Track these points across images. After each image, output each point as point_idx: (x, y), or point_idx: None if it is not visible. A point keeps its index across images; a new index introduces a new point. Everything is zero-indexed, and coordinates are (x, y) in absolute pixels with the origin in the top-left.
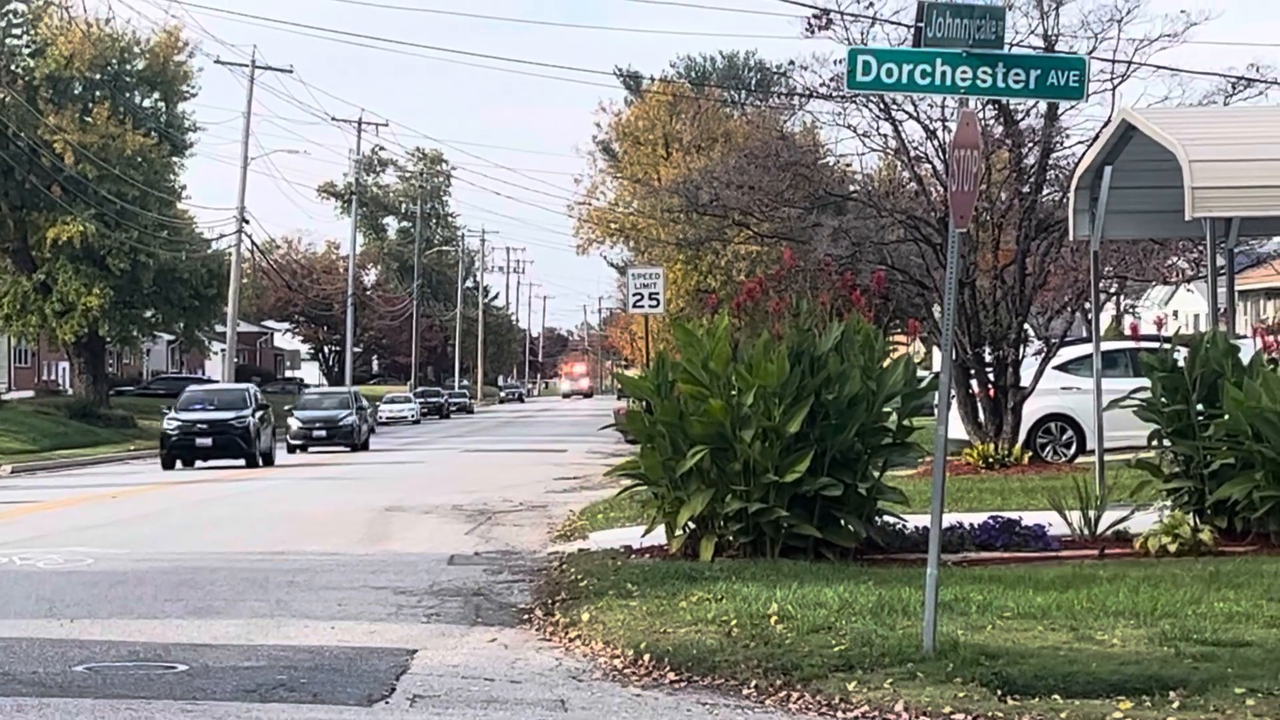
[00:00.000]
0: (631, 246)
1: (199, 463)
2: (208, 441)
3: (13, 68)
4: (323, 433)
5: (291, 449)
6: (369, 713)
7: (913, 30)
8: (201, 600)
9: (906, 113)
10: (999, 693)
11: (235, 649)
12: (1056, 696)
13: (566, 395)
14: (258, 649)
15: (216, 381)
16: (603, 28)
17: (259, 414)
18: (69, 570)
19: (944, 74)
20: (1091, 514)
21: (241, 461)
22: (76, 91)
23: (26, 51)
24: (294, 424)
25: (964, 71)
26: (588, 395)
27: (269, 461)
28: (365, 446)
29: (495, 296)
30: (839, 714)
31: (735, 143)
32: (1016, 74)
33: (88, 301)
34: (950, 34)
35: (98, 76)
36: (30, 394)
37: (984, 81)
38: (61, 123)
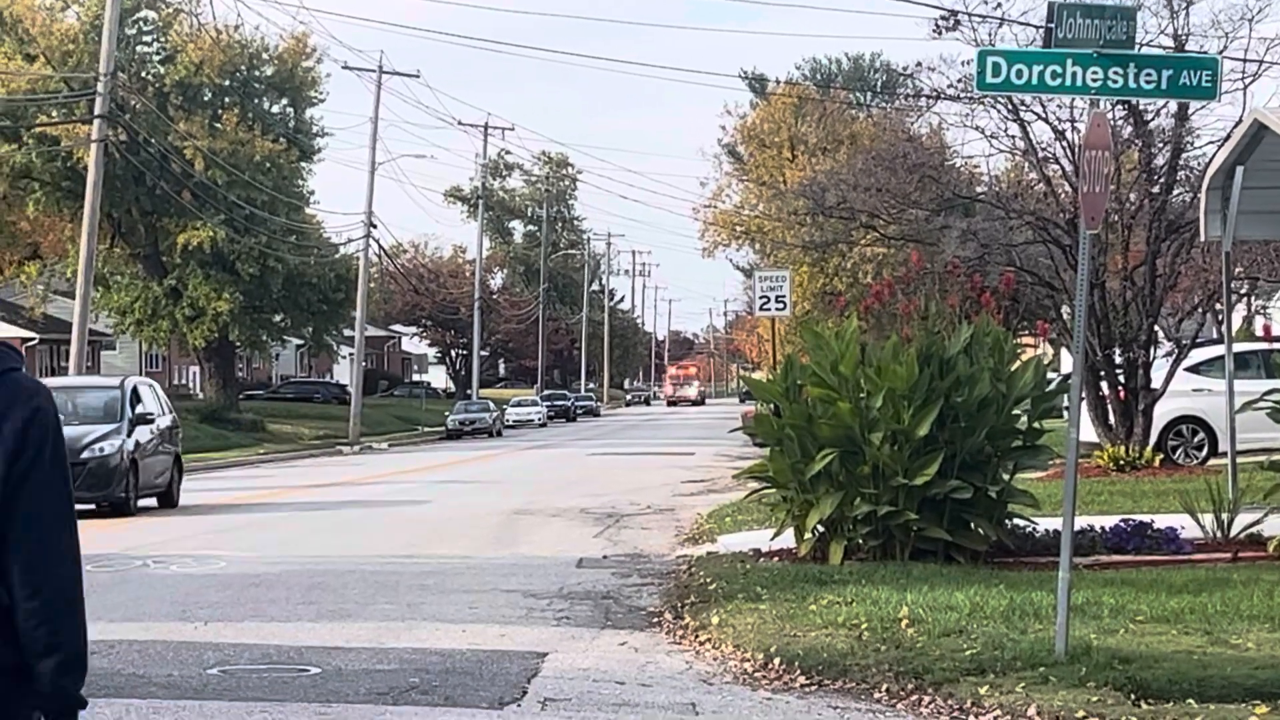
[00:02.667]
0: (757, 249)
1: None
2: None
3: (143, 75)
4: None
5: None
6: (500, 716)
7: (1042, 31)
8: (333, 603)
9: (1035, 113)
10: (1132, 697)
11: (367, 652)
12: (1191, 701)
13: (672, 403)
14: (389, 652)
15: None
16: (728, 30)
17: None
18: (202, 573)
19: (1074, 75)
20: (1224, 517)
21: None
22: (206, 98)
23: (157, 59)
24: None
25: (1095, 72)
26: (697, 403)
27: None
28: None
29: (621, 299)
30: (971, 718)
31: (861, 145)
32: (1148, 74)
33: (217, 306)
34: (1081, 35)
35: (227, 83)
36: None
37: (1115, 82)
38: (191, 129)
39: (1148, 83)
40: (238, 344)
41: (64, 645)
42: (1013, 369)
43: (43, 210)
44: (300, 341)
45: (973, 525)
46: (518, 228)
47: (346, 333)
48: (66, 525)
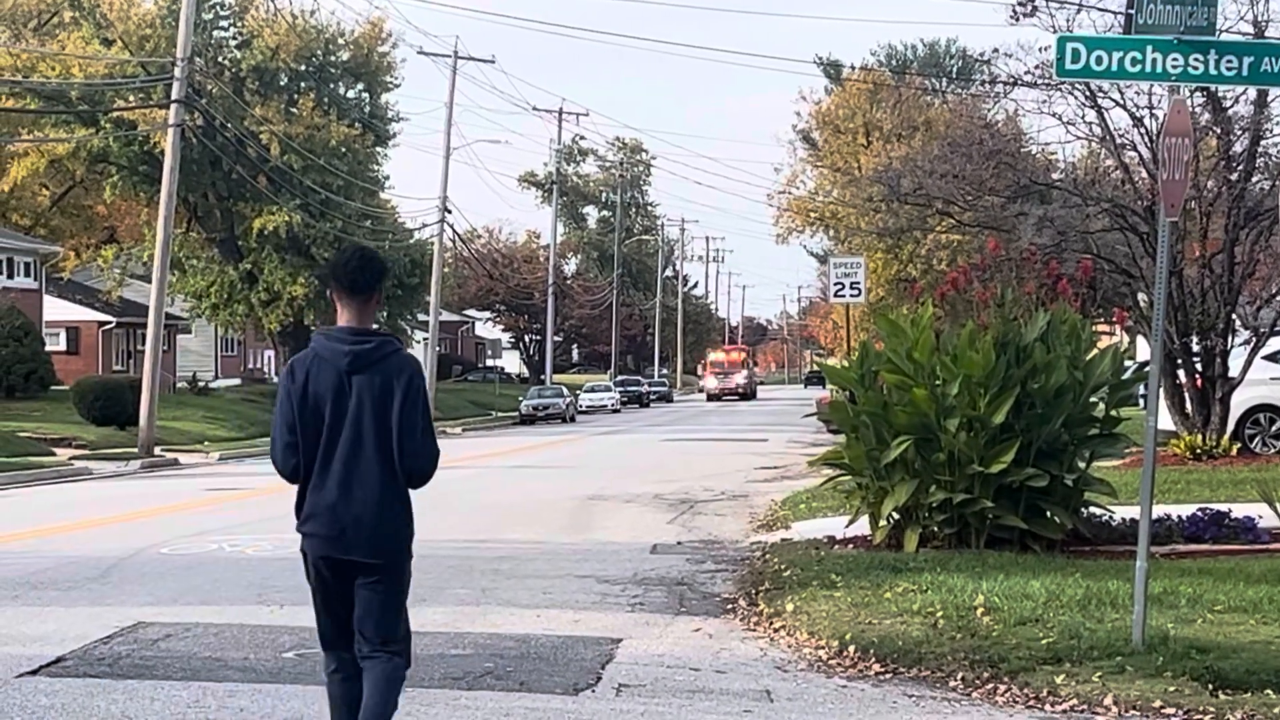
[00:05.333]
0: (831, 235)
1: None
2: None
3: (220, 60)
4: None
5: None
6: (575, 701)
7: (1122, 17)
8: None
9: (1113, 100)
10: (1210, 687)
11: (442, 637)
12: (1269, 692)
13: (713, 397)
14: (464, 637)
15: None
16: (803, 16)
17: None
18: (277, 556)
19: (1154, 61)
20: None
21: None
22: (282, 83)
23: (233, 44)
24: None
25: (1175, 59)
26: (745, 396)
27: None
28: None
29: (694, 285)
30: (1047, 707)
31: (936, 131)
32: (1229, 61)
33: (293, 291)
34: (1161, 21)
35: (303, 68)
36: (237, 382)
37: (1195, 69)
38: (268, 114)
39: (1228, 69)
40: (313, 328)
41: (419, 472)
42: (1090, 357)
43: (119, 194)
44: (375, 326)
45: (1049, 513)
46: (591, 213)
47: (421, 318)
48: (426, 438)
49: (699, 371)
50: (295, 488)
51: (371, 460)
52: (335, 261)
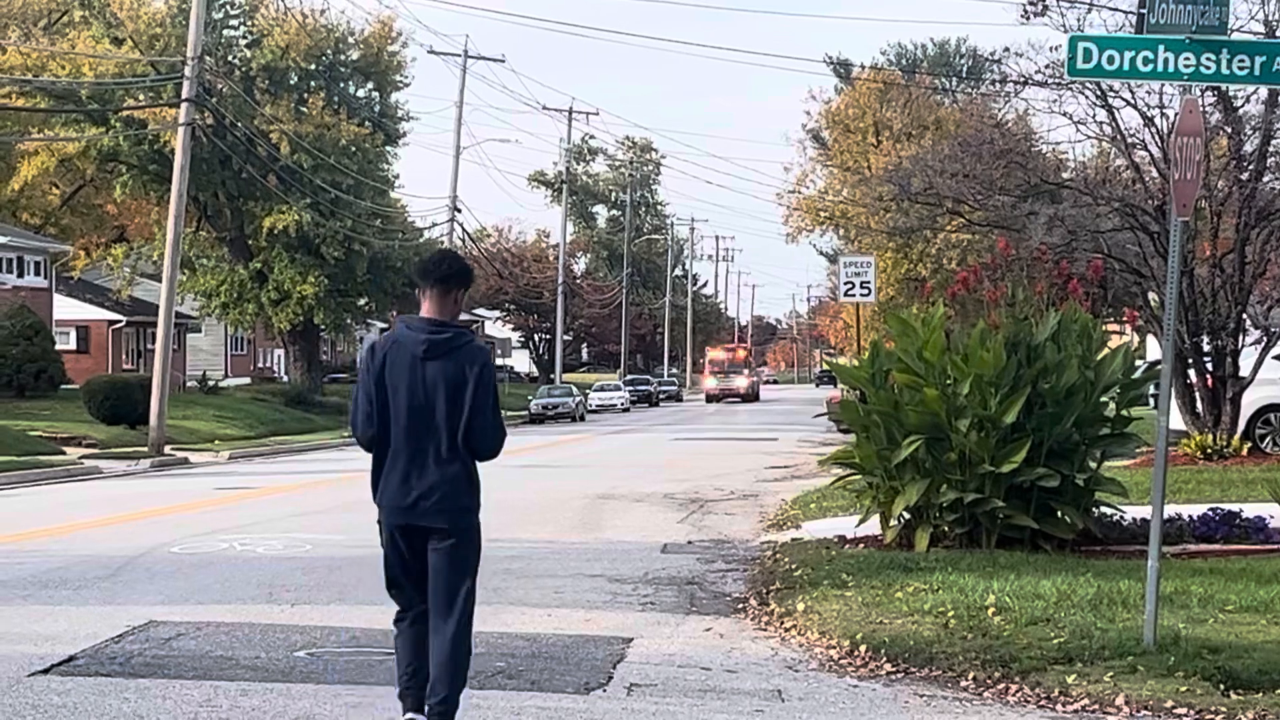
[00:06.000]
0: (841, 235)
1: None
2: None
3: (230, 59)
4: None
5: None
6: (587, 701)
7: (1134, 17)
8: None
9: (1124, 99)
10: (1221, 687)
11: None
12: None
13: (713, 398)
14: (476, 636)
15: None
16: (813, 15)
17: None
18: (288, 556)
19: (1166, 61)
20: None
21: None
22: (292, 82)
23: (243, 43)
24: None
25: (1187, 58)
26: (747, 398)
27: None
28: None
29: (704, 285)
30: (1059, 707)
31: (946, 130)
32: (1241, 60)
33: (303, 290)
34: (1173, 20)
35: (313, 67)
36: (246, 381)
37: (1208, 68)
38: (278, 113)
39: (1241, 69)
40: (322, 327)
41: (487, 451)
42: (1101, 356)
43: (129, 193)
44: (384, 325)
45: (1060, 513)
46: (601, 212)
47: None
48: (495, 418)
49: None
50: (301, 488)
51: (442, 438)
52: (423, 260)
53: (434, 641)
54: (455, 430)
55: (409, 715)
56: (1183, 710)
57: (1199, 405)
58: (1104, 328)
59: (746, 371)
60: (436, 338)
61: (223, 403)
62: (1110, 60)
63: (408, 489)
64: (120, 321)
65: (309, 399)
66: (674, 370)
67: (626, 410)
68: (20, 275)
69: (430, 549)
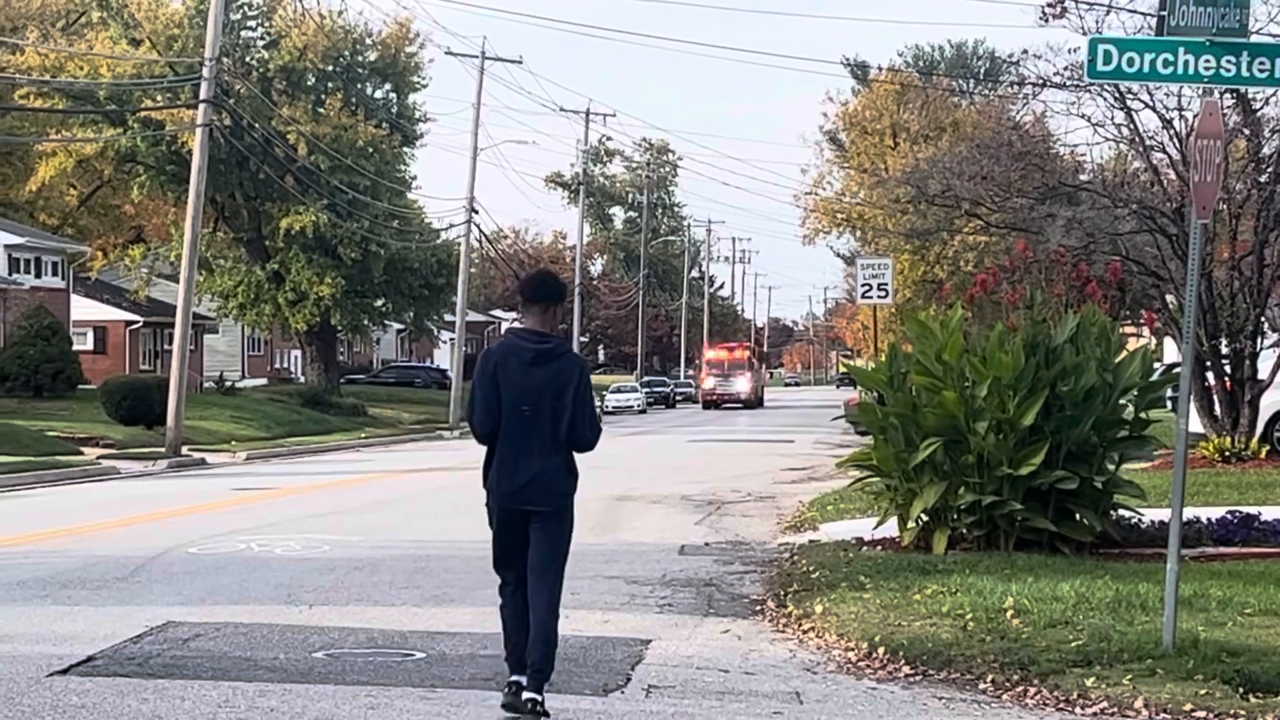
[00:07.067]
0: (858, 237)
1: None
2: None
3: (248, 60)
4: None
5: None
6: (605, 702)
7: (1154, 19)
8: (436, 588)
9: (1142, 102)
10: (1240, 690)
11: (471, 637)
12: None
13: (709, 403)
14: (493, 637)
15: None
16: (830, 16)
17: None
18: (306, 557)
19: (1187, 63)
20: None
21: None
22: (309, 83)
23: (261, 44)
24: None
25: (1207, 61)
26: (749, 404)
27: None
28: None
29: (721, 286)
30: (1077, 710)
31: (964, 132)
32: (1261, 63)
33: (320, 291)
34: (1193, 22)
35: (330, 68)
36: (263, 382)
37: (1228, 71)
38: (295, 114)
39: (1261, 71)
40: (339, 328)
41: (586, 444)
42: (1119, 359)
43: (147, 194)
44: (401, 326)
45: (1078, 516)
46: (618, 214)
47: (447, 318)
48: (592, 415)
49: None
50: (318, 489)
51: (545, 433)
52: (525, 278)
53: (533, 602)
54: (558, 426)
55: (514, 677)
56: (1201, 713)
57: (1217, 408)
58: (1122, 330)
59: (749, 374)
60: (542, 348)
61: (240, 403)
62: (1130, 62)
63: (516, 476)
64: (137, 322)
65: (326, 400)
66: (690, 372)
67: (643, 412)
68: (38, 275)
69: (532, 528)
